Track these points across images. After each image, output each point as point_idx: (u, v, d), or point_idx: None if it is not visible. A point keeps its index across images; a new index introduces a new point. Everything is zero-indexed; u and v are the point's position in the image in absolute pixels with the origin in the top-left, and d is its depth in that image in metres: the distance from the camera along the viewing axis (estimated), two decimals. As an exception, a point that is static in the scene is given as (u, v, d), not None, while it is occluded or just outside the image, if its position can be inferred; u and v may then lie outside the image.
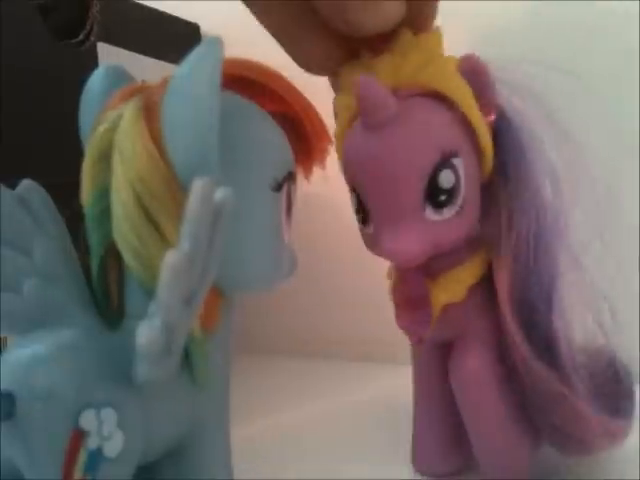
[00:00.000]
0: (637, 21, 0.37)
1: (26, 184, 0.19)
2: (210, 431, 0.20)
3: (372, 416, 0.36)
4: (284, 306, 0.48)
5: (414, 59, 0.23)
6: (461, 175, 0.23)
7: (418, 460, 0.29)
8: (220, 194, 0.15)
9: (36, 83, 0.32)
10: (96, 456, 0.16)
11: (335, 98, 0.25)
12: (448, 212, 0.23)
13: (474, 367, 0.25)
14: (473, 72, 0.23)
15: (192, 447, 0.20)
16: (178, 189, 0.17)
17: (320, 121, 0.21)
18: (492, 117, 0.24)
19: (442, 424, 0.28)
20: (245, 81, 0.20)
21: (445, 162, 0.23)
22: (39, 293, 0.18)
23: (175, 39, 0.43)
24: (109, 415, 0.16)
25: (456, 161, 0.23)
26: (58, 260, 0.19)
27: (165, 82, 0.18)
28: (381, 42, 0.24)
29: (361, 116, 0.22)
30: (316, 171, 0.23)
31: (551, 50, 0.28)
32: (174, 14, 0.44)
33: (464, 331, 0.26)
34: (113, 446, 0.16)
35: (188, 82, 0.17)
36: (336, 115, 0.25)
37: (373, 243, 0.24)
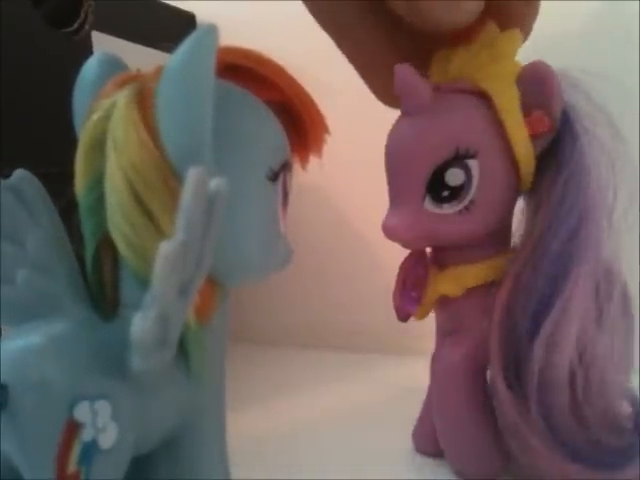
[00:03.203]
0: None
1: (19, 174, 0.19)
2: (206, 421, 0.20)
3: (369, 406, 0.36)
4: (279, 296, 0.48)
5: (482, 56, 0.24)
6: (474, 176, 0.23)
7: (420, 439, 0.29)
8: (214, 184, 0.15)
9: (30, 72, 0.32)
10: (91, 448, 0.16)
11: None
12: (449, 208, 0.24)
13: (452, 360, 0.26)
14: (539, 80, 0.23)
15: (188, 438, 0.19)
16: (172, 178, 0.17)
17: (317, 110, 0.21)
18: (549, 128, 0.23)
19: None
20: (241, 69, 0.19)
21: (457, 161, 0.23)
22: (32, 284, 0.18)
23: (171, 28, 0.42)
24: (103, 407, 0.16)
25: (471, 162, 0.23)
26: (52, 251, 0.18)
27: (159, 70, 0.17)
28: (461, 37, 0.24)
29: (401, 102, 0.24)
30: (312, 161, 0.23)
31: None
32: (170, 3, 0.44)
33: (460, 327, 0.26)
34: (107, 438, 0.16)
35: (182, 70, 0.16)
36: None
37: None
